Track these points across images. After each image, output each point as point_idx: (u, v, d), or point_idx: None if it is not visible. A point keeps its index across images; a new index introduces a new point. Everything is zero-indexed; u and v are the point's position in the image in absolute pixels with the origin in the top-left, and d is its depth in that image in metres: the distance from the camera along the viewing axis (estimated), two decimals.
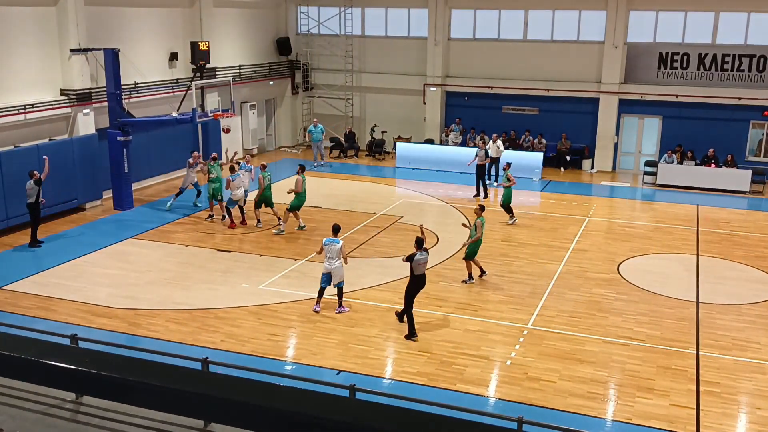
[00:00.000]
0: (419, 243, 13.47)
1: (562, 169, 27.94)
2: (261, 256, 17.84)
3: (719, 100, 26.15)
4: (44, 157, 18.56)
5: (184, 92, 24.05)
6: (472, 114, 29.51)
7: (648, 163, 26.83)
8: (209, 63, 25.89)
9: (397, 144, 28.97)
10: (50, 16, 20.66)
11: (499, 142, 25.91)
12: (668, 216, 22.05)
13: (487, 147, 25.26)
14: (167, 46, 25.13)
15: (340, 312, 14.44)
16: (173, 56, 25.23)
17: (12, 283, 15.83)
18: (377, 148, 30.11)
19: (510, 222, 20.72)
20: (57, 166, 19.58)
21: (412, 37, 30.24)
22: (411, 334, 13.37)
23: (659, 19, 26.85)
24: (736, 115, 26.29)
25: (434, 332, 13.68)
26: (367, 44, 31.01)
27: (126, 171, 21.50)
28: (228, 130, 25.79)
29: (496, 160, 25.34)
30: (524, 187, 24.85)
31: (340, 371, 12.19)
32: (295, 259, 17.53)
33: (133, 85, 23.21)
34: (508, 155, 25.11)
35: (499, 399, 11.49)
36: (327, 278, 14.43)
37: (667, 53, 26.85)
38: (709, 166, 25.54)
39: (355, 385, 7.45)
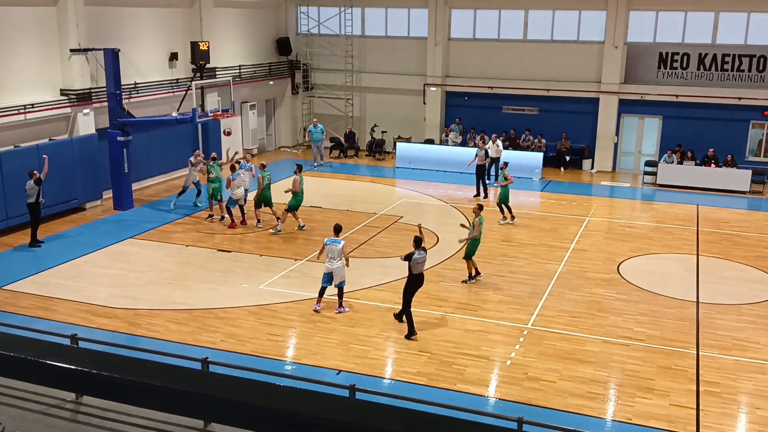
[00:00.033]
0: (417, 242, 13.49)
1: (562, 169, 27.93)
2: (261, 256, 17.84)
3: (719, 100, 26.15)
4: (44, 156, 18.55)
5: (184, 92, 24.05)
6: (472, 114, 29.50)
7: (648, 163, 26.82)
8: (209, 63, 25.89)
9: (397, 144, 28.97)
10: (50, 16, 20.67)
11: (499, 142, 25.91)
12: (668, 216, 22.04)
13: (487, 147, 25.26)
14: (167, 46, 25.13)
15: (340, 312, 14.45)
16: (173, 56, 25.23)
17: (12, 283, 15.84)
18: (377, 148, 30.11)
19: (502, 222, 20.64)
20: (57, 166, 19.60)
21: (412, 37, 30.24)
22: (410, 333, 13.38)
23: (659, 19, 26.85)
24: (736, 115, 26.29)
25: (434, 332, 13.68)
26: (367, 44, 31.01)
27: (126, 171, 21.51)
28: (229, 133, 25.90)
29: (496, 160, 25.31)
30: (524, 187, 24.86)
31: (340, 371, 12.20)
32: (295, 259, 17.53)
33: (133, 85, 23.22)
34: (507, 155, 25.05)
35: (499, 399, 11.49)
36: (328, 278, 14.44)
37: (667, 53, 26.85)
38: (709, 166, 25.54)
39: (355, 385, 7.45)
